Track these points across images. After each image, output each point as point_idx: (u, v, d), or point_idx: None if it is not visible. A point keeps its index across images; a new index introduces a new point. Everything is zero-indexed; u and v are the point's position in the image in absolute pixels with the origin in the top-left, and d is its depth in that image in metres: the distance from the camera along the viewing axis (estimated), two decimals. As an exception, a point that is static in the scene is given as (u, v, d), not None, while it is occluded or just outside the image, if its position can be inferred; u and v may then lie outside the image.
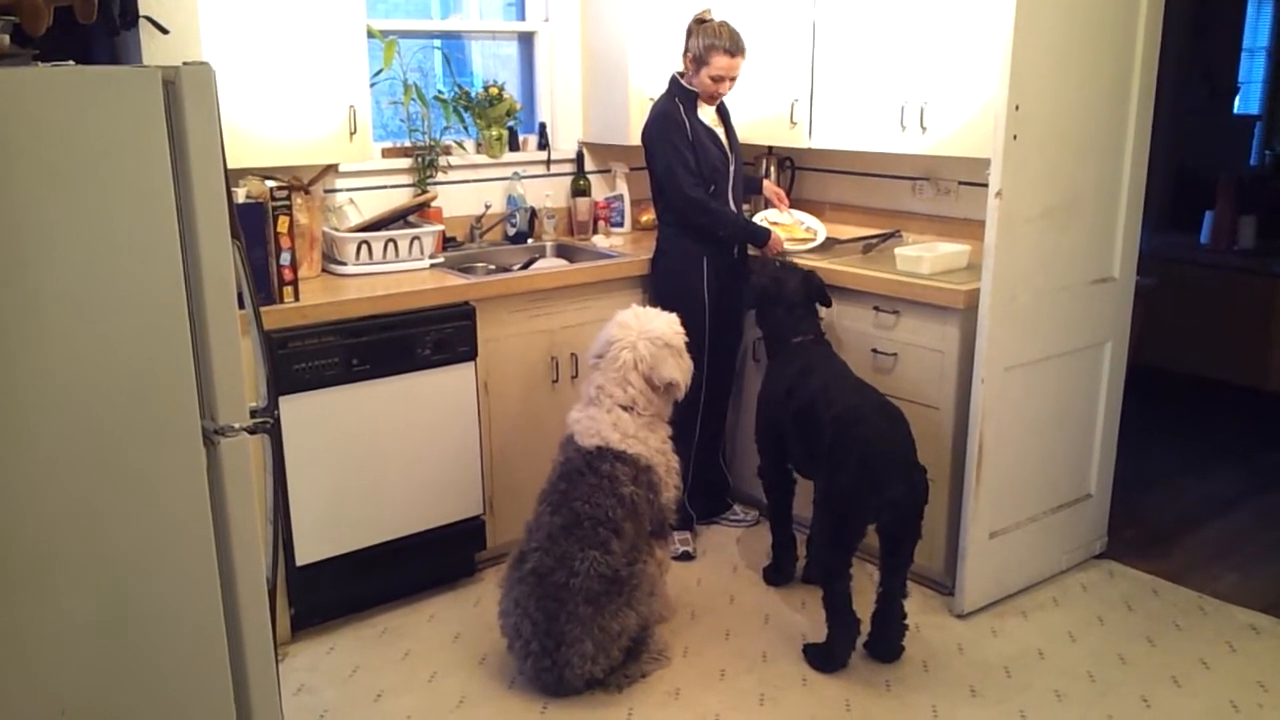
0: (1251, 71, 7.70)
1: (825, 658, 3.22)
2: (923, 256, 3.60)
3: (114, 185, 1.65)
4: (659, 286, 3.92)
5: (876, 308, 3.65)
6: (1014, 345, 3.37)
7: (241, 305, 1.90)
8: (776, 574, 3.75)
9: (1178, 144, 6.26)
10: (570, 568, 2.97)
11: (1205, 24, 6.60)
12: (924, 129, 3.75)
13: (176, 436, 1.75)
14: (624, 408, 3.18)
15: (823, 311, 3.69)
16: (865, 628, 3.25)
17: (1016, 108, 3.16)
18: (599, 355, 3.26)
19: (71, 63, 1.83)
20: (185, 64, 1.73)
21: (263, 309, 3.06)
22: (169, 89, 1.70)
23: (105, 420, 1.68)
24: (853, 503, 3.11)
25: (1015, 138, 3.18)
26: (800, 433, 3.36)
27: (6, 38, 1.79)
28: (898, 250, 3.72)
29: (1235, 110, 7.64)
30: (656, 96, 3.88)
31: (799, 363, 3.48)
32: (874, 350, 3.66)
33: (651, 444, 3.21)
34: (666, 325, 3.30)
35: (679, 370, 3.27)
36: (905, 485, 3.09)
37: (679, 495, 3.34)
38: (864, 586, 3.34)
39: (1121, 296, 3.73)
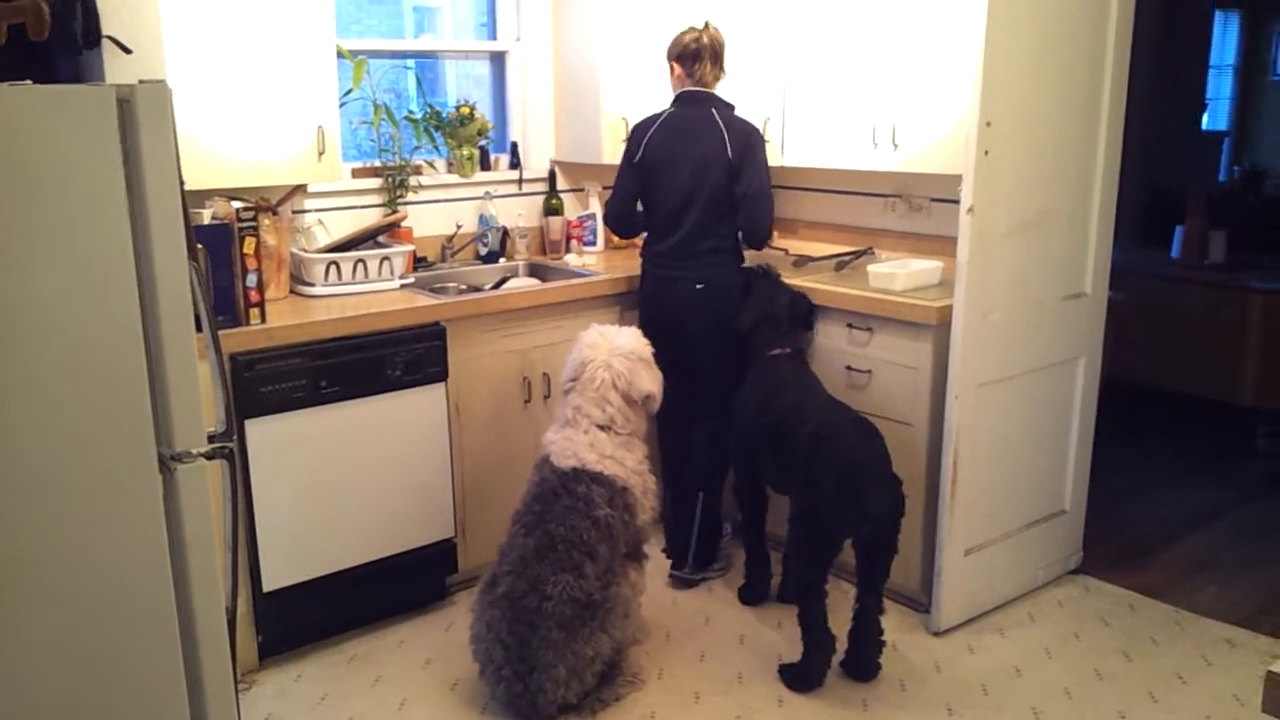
0: (1219, 88, 7.80)
1: (801, 677, 3.19)
2: (895, 273, 3.60)
3: (67, 204, 1.61)
4: (708, 317, 3.72)
5: (850, 325, 3.64)
6: (987, 361, 3.37)
7: (200, 327, 1.87)
8: (750, 593, 3.73)
9: (1148, 160, 6.30)
10: (542, 592, 2.93)
11: (1173, 41, 6.67)
12: (896, 146, 3.75)
13: (131, 463, 1.71)
14: (601, 427, 3.15)
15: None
16: (842, 646, 3.22)
17: (988, 124, 3.16)
18: (573, 379, 3.23)
19: (29, 82, 1.79)
20: (141, 82, 1.69)
21: (229, 331, 3.06)
22: (124, 107, 1.67)
23: (59, 445, 1.64)
24: (831, 518, 3.09)
25: (987, 154, 3.19)
26: (773, 447, 3.34)
27: (-42, 56, 1.76)
28: (871, 267, 3.72)
29: (1204, 126, 7.72)
30: (741, 116, 3.73)
31: (773, 377, 3.46)
32: (848, 367, 3.64)
33: (628, 464, 3.18)
34: (634, 339, 3.30)
35: (654, 382, 3.28)
36: (884, 499, 3.08)
37: (655, 516, 3.31)
38: (839, 605, 3.31)
39: (1094, 312, 3.74)
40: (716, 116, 3.67)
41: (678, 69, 3.72)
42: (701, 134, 3.66)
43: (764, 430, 3.38)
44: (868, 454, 3.12)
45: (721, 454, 3.75)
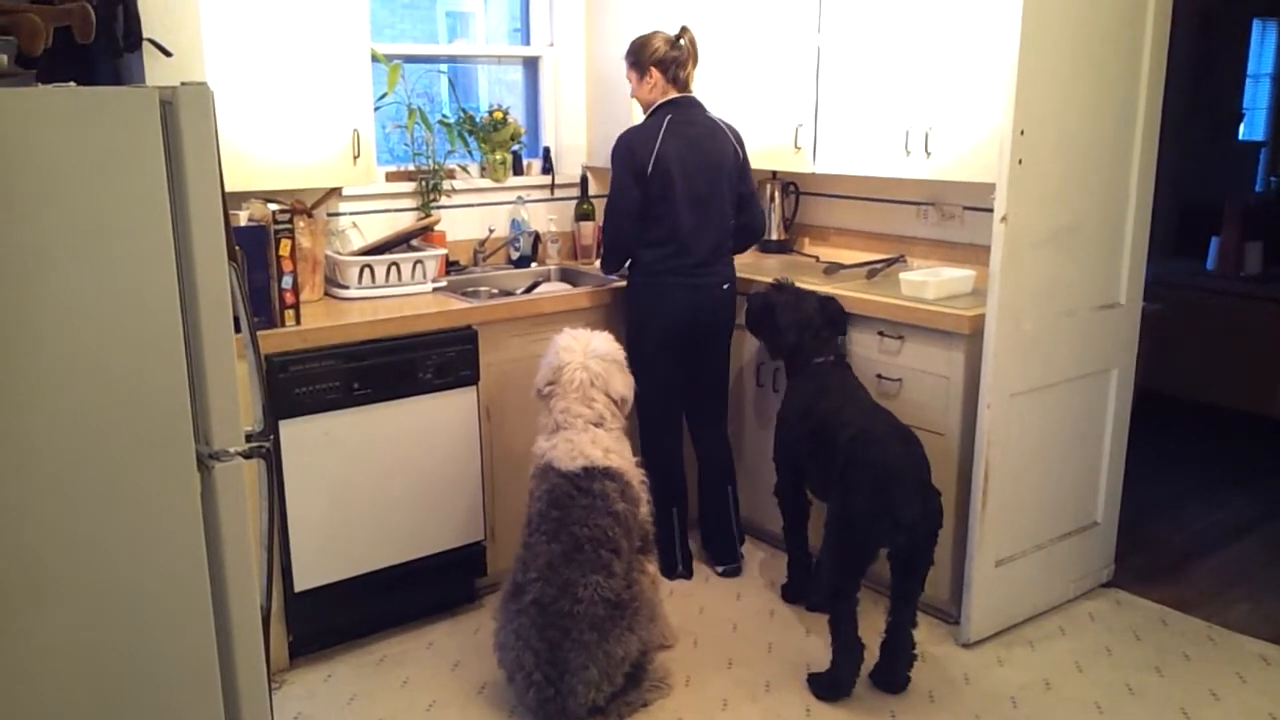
0: (1256, 98, 7.71)
1: (830, 686, 3.18)
2: (927, 281, 3.59)
3: (110, 205, 1.63)
4: (732, 315, 3.91)
5: (881, 333, 3.62)
6: (1020, 371, 3.35)
7: (239, 328, 1.89)
8: (794, 592, 3.74)
9: (1183, 170, 6.25)
10: (574, 595, 2.94)
11: (1210, 50, 6.61)
12: (928, 154, 3.73)
13: (170, 461, 1.73)
14: (595, 424, 3.17)
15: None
16: (872, 657, 3.21)
17: (1022, 132, 3.14)
18: (550, 383, 3.24)
19: (73, 84, 1.82)
20: (183, 84, 1.72)
21: (264, 332, 3.09)
22: (166, 109, 1.69)
23: (99, 443, 1.66)
24: (866, 525, 3.08)
25: (1020, 162, 3.17)
26: (815, 452, 3.34)
27: (5, 58, 1.78)
28: (902, 275, 3.70)
29: (1240, 136, 7.64)
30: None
31: (816, 383, 3.47)
32: (879, 375, 3.63)
33: (626, 456, 3.22)
34: (607, 343, 3.34)
35: (626, 386, 3.33)
36: (917, 507, 3.06)
37: (650, 509, 3.31)
38: (871, 614, 3.30)
39: (1128, 322, 3.71)
40: (715, 119, 3.72)
41: (655, 75, 3.68)
42: (712, 138, 3.70)
43: (806, 435, 3.38)
44: (905, 462, 3.10)
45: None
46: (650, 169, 3.62)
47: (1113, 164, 3.51)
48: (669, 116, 3.66)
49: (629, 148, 3.65)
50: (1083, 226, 3.44)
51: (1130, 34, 3.43)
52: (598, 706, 3.00)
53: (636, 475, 3.22)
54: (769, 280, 3.83)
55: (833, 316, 3.65)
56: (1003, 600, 3.51)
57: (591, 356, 3.25)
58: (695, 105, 3.72)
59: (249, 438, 1.87)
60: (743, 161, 3.79)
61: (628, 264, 3.83)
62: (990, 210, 3.24)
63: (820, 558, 3.35)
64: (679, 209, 3.66)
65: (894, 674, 3.20)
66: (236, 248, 2.28)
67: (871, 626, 3.24)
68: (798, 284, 3.78)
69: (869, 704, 3.15)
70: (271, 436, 1.93)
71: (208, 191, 1.74)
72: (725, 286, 3.82)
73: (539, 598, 2.96)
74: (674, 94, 3.69)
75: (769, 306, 3.70)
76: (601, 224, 3.93)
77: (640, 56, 3.70)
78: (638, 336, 3.78)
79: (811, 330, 3.58)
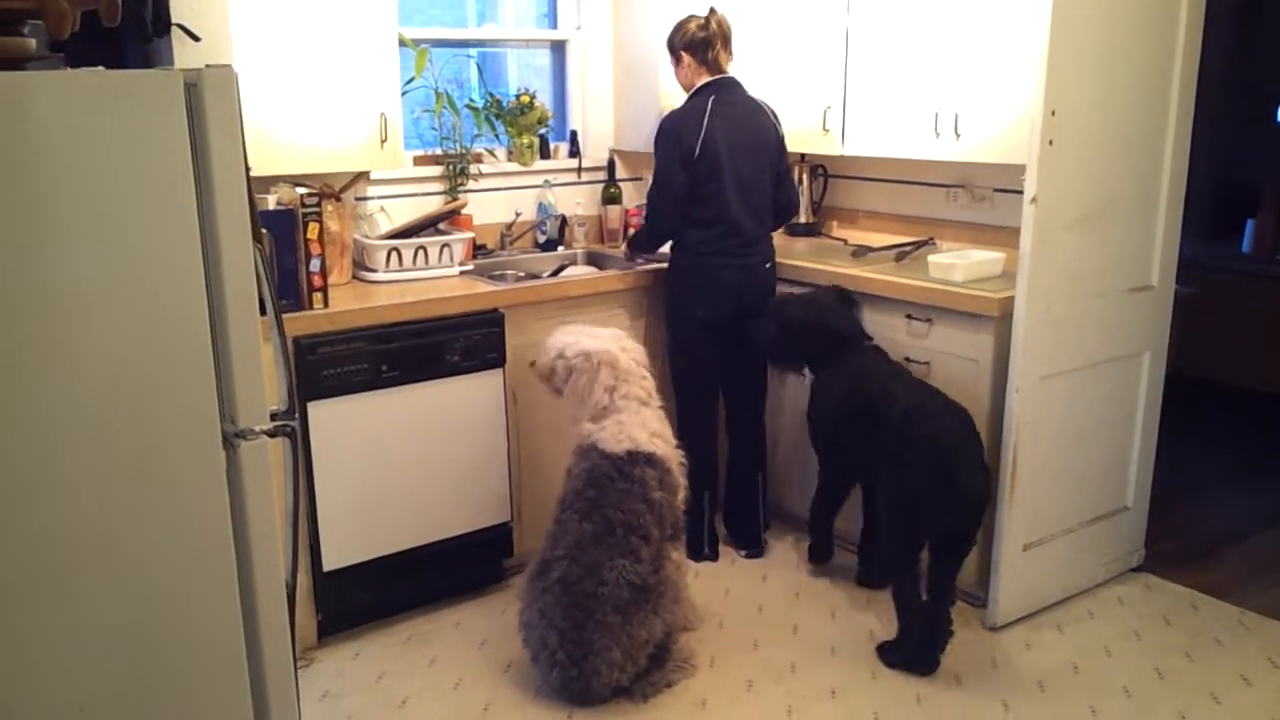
0: (1298, 79, 7.54)
1: (913, 659, 3.21)
2: (956, 264, 3.56)
3: (135, 186, 1.66)
4: (772, 292, 3.91)
5: (909, 315, 3.60)
6: (1049, 354, 3.32)
7: (264, 310, 1.91)
8: (823, 550, 3.80)
9: (1220, 151, 6.14)
10: (599, 576, 2.95)
11: (1250, 28, 6.49)
12: (958, 135, 3.70)
13: (196, 439, 1.75)
14: (643, 404, 3.20)
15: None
16: (877, 637, 3.21)
17: (1053, 113, 3.11)
18: (570, 369, 3.24)
19: (101, 68, 1.84)
20: (208, 66, 1.73)
21: (292, 315, 3.12)
22: (191, 91, 1.71)
23: (125, 421, 1.69)
24: (923, 498, 3.09)
25: (1051, 143, 3.13)
26: (863, 432, 3.31)
27: (34, 41, 1.80)
28: (931, 258, 3.68)
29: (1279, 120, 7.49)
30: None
31: (853, 367, 3.44)
32: (906, 358, 3.61)
33: (668, 438, 3.24)
34: (616, 331, 3.38)
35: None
36: (982, 483, 3.10)
37: (687, 495, 3.31)
38: (878, 597, 3.29)
39: (1160, 305, 3.66)
40: (755, 99, 3.74)
41: (687, 59, 3.71)
42: (754, 118, 3.72)
43: (850, 415, 3.36)
44: (960, 436, 3.12)
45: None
46: (698, 151, 3.62)
47: (1145, 145, 3.46)
48: (713, 97, 3.66)
49: (675, 131, 3.65)
50: (1114, 208, 3.40)
51: (1164, 11, 3.37)
52: (621, 687, 3.02)
53: (676, 459, 3.23)
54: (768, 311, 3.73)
55: (847, 298, 3.65)
56: (1031, 584, 3.49)
57: (614, 341, 3.26)
58: (735, 85, 3.73)
59: (274, 416, 1.89)
60: (780, 139, 3.81)
61: (668, 245, 3.87)
62: (1020, 192, 3.20)
63: (881, 537, 3.35)
64: (727, 190, 3.67)
65: (928, 654, 3.21)
66: (264, 230, 2.30)
67: (884, 608, 3.24)
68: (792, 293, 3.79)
69: (894, 686, 3.15)
70: (296, 415, 1.94)
71: (232, 172, 1.76)
72: (768, 265, 3.85)
73: (565, 576, 2.98)
74: (709, 76, 3.70)
75: (789, 322, 3.58)
76: (645, 205, 3.97)
77: (673, 41, 3.74)
78: (681, 317, 3.81)
79: (845, 320, 3.56)
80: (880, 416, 3.21)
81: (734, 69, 3.77)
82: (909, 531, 3.16)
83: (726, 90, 3.69)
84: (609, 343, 3.25)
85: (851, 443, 3.41)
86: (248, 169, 1.85)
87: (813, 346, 3.56)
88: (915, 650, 3.22)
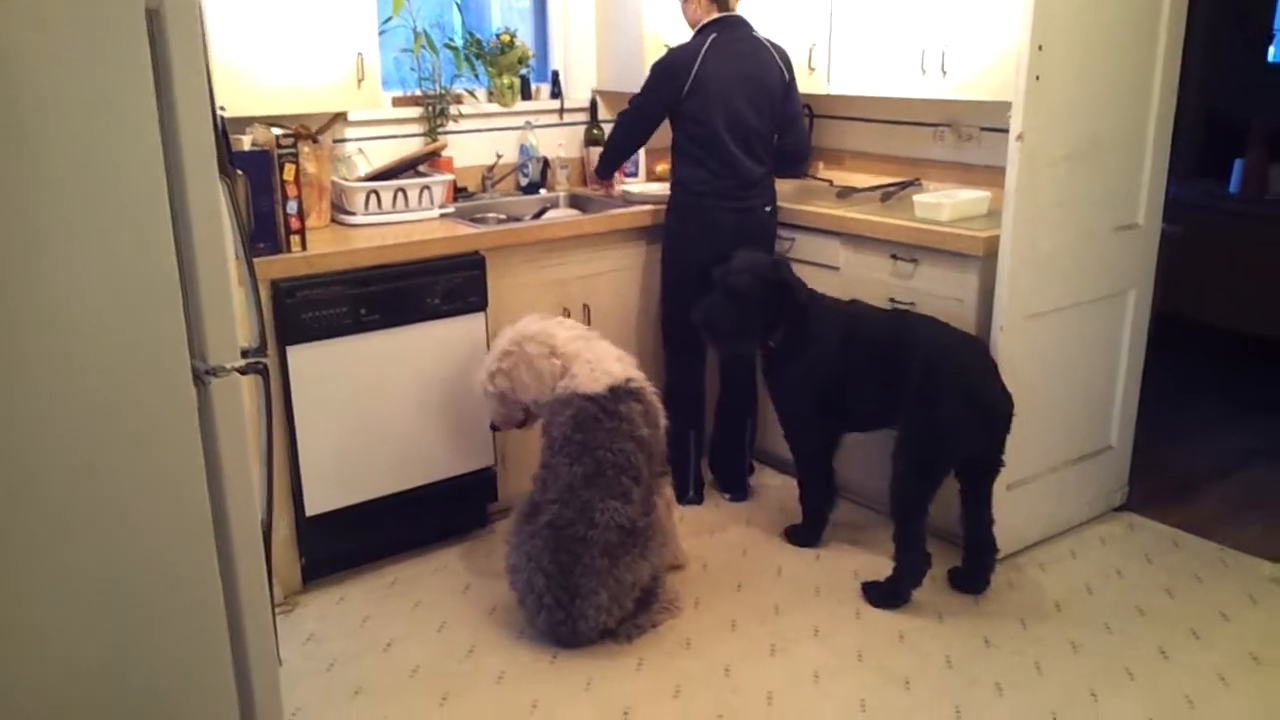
0: (1289, 19, 7.49)
1: (890, 595, 3.25)
2: (942, 203, 3.53)
3: (96, 118, 1.61)
4: (773, 238, 3.89)
5: (894, 256, 3.57)
6: (1035, 293, 3.30)
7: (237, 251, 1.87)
8: (808, 535, 3.65)
9: (1209, 90, 6.10)
10: (590, 519, 2.95)
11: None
12: (944, 73, 3.65)
13: (166, 376, 1.72)
14: (586, 338, 3.26)
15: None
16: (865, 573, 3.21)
17: (1039, 48, 3.06)
18: (511, 370, 3.22)
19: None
20: (171, -6, 1.68)
21: (270, 258, 3.08)
22: (153, 18, 1.65)
23: (92, 357, 1.65)
24: (953, 434, 3.12)
25: (1038, 79, 3.09)
26: (870, 379, 3.28)
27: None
28: (916, 198, 3.65)
29: (1271, 58, 7.44)
30: (673, 43, 3.78)
31: (843, 317, 3.39)
32: (891, 300, 3.59)
33: (630, 359, 3.27)
34: (511, 330, 3.36)
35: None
36: (1006, 400, 3.15)
37: (667, 425, 3.27)
38: (872, 529, 3.29)
39: (1146, 244, 3.64)
40: (761, 38, 3.66)
41: None
42: (756, 57, 3.65)
43: (846, 368, 3.31)
44: (982, 361, 3.18)
45: None
46: (687, 88, 3.59)
47: (1133, 82, 3.42)
48: (713, 36, 3.61)
49: (669, 66, 3.65)
50: (1101, 146, 3.36)
51: (1153, -56, 3.32)
52: (608, 629, 3.02)
53: (650, 388, 3.22)
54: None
55: (783, 262, 3.60)
56: (1014, 523, 3.49)
57: (513, 329, 3.28)
58: (741, 24, 3.67)
59: (245, 354, 1.86)
60: (789, 82, 3.72)
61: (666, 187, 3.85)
62: (1007, 131, 3.16)
63: (896, 477, 3.23)
64: (720, 129, 3.62)
65: (978, 575, 3.31)
66: (238, 171, 2.26)
67: (880, 544, 3.24)
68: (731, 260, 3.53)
69: (877, 624, 3.16)
70: (267, 353, 1.91)
71: (196, 104, 1.71)
72: (768, 209, 3.80)
73: (554, 520, 2.97)
74: (717, 13, 3.65)
75: (734, 292, 3.36)
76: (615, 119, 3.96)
77: None
78: (676, 258, 3.79)
79: (792, 274, 3.48)
80: (895, 360, 3.20)
81: (741, 8, 3.71)
82: (936, 468, 3.18)
83: (730, 29, 3.63)
84: (511, 331, 3.27)
85: (852, 394, 3.35)
86: (214, 102, 1.80)
87: (767, 311, 3.40)
88: (968, 574, 3.33)
